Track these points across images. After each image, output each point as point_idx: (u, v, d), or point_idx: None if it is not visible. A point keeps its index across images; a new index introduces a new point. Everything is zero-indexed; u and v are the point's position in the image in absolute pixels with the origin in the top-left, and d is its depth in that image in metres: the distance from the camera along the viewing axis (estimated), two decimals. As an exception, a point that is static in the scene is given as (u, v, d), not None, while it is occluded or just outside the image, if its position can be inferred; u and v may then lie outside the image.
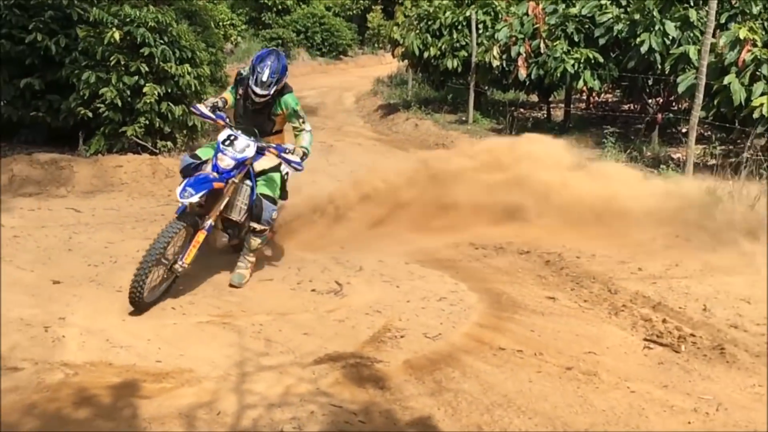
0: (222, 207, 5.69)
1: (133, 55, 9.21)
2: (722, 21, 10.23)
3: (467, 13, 14.68)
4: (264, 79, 5.81)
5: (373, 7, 32.57)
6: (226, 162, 5.59)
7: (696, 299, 5.84)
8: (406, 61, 16.53)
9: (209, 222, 5.64)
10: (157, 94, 9.24)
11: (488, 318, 5.54)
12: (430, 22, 15.40)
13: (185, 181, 5.48)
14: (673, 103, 11.62)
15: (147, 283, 5.26)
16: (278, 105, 6.07)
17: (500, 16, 14.43)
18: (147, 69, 9.20)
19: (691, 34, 10.41)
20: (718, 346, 5.00)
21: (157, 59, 9.22)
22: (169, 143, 9.74)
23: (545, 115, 14.59)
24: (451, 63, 14.80)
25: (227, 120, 5.87)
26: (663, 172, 8.64)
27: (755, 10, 10.75)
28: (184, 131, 9.84)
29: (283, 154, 5.76)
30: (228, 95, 6.16)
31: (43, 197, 8.27)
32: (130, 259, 6.42)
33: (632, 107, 13.82)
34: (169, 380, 4.47)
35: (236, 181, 5.70)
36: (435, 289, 6.10)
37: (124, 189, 8.80)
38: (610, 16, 11.41)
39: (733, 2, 10.94)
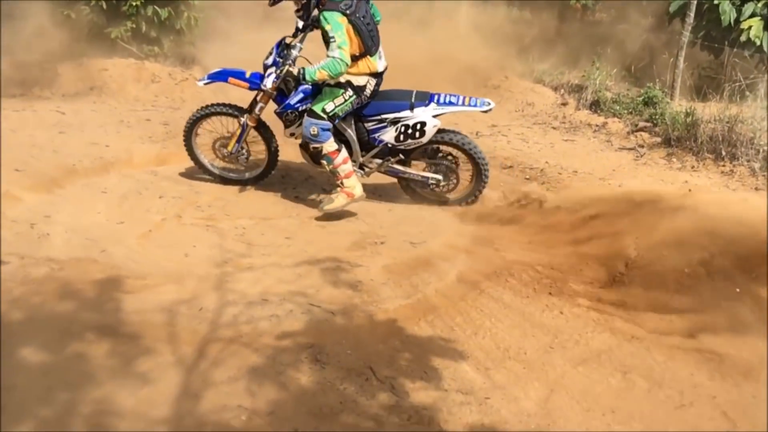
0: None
1: (117, -44, 8.99)
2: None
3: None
4: None
5: None
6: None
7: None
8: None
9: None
10: (143, -4, 9.07)
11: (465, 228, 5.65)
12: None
13: None
14: (668, 24, 11.48)
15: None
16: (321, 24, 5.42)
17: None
18: (133, -30, 9.00)
19: (687, -48, 10.23)
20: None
21: (142, -40, 9.02)
22: (155, 48, 9.58)
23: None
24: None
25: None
26: (650, 91, 8.63)
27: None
28: (171, 36, 9.67)
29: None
30: None
31: (27, 99, 8.22)
32: (115, 161, 6.49)
33: (624, 27, 13.64)
34: (152, 278, 4.59)
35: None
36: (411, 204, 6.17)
37: (109, 92, 8.71)
38: (606, -69, 11.18)
39: None
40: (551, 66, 10.50)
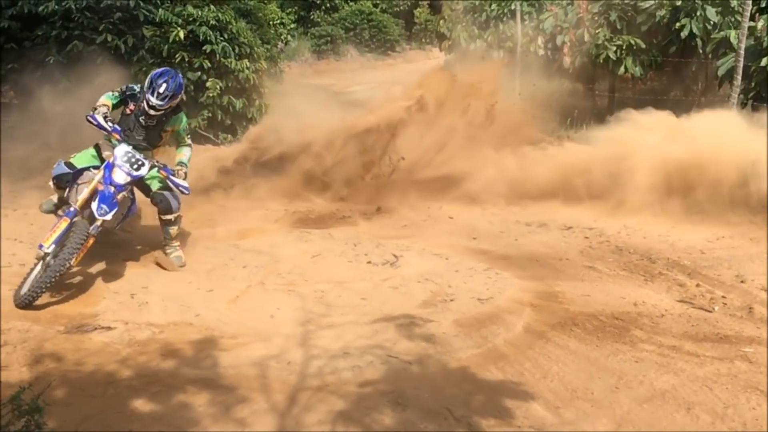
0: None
1: (196, 52, 9.85)
2: (763, 5, 10.38)
3: (512, 6, 14.97)
4: (161, 91, 6.05)
5: (420, 2, 32.92)
6: (122, 178, 5.87)
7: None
8: (453, 54, 16.88)
9: (96, 227, 5.74)
10: (218, 88, 9.87)
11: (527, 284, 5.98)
12: (476, 15, 15.73)
13: (98, 198, 5.75)
14: (718, 88, 11.79)
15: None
16: (170, 122, 6.34)
17: (544, 6, 14.69)
18: (209, 65, 9.84)
19: (732, 19, 10.61)
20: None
21: (218, 55, 9.85)
22: (229, 135, 10.35)
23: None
24: (497, 54, 15.10)
25: (123, 134, 6.06)
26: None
27: (796, -8, 10.87)
28: (244, 123, 10.44)
29: (171, 177, 6.15)
30: (107, 101, 6.16)
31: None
32: (198, 237, 7.05)
33: (676, 93, 13.97)
34: (243, 337, 5.03)
35: (126, 195, 6.04)
36: (477, 266, 6.51)
37: (189, 177, 9.33)
38: (652, 2, 11.62)
39: (774, -15, 11.08)
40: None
